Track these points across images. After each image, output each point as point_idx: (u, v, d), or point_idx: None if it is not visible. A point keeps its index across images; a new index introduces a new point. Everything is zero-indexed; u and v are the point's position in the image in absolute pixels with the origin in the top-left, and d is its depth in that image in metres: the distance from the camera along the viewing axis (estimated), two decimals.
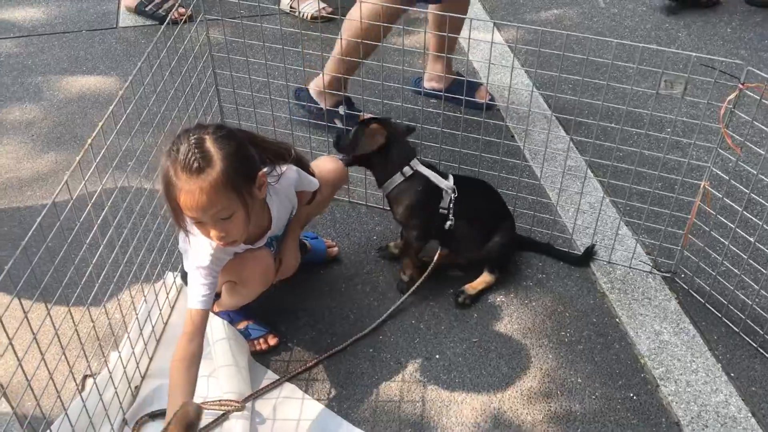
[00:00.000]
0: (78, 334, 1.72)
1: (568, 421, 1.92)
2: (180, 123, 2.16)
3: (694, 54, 1.85)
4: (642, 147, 2.28)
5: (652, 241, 2.33)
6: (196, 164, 1.61)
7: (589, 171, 2.63)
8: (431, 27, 2.75)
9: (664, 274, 2.29)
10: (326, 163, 2.13)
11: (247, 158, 1.71)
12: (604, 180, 2.53)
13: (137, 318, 1.97)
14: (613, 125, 2.43)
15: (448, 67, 2.88)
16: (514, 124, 2.83)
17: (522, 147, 2.72)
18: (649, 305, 2.21)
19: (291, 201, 1.98)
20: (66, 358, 1.67)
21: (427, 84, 2.99)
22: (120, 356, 1.88)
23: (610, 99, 2.53)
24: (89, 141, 1.61)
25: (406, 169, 2.09)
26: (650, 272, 2.30)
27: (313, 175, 2.01)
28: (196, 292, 1.78)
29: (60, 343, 1.64)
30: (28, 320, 1.52)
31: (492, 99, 2.86)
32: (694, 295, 2.22)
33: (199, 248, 1.78)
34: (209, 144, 1.63)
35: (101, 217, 1.79)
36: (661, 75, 1.89)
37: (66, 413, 1.60)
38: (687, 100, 2.00)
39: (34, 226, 1.59)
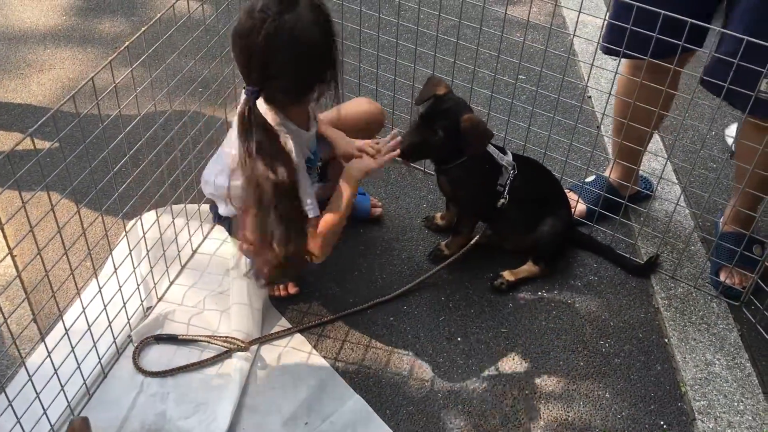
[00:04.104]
0: (108, 239, 1.71)
1: None
2: None
3: None
4: (736, 157, 2.03)
5: (726, 263, 2.09)
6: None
7: (673, 176, 2.40)
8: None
9: (732, 301, 2.05)
10: (360, 105, 2.01)
11: None
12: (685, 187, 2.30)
13: (161, 238, 1.93)
14: (702, 125, 2.19)
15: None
16: (601, 110, 2.61)
17: (605, 136, 2.51)
18: (706, 332, 1.98)
19: None
20: (92, 258, 1.66)
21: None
22: (135, 273, 1.85)
23: (702, 98, 2.28)
24: (126, 44, 1.57)
25: None
26: (716, 296, 2.07)
27: None
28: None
29: (87, 243, 1.62)
30: (54, 213, 1.52)
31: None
32: (761, 330, 1.98)
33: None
34: None
35: (150, 132, 1.79)
36: (763, 74, 1.65)
37: (61, 317, 1.58)
38: None
39: (68, 128, 1.58)
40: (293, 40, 1.48)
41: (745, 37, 1.60)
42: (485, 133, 1.85)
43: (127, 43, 1.58)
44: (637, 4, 1.71)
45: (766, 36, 1.59)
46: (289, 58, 1.50)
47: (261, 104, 1.59)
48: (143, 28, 1.64)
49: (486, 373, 1.87)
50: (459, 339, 1.94)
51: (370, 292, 2.04)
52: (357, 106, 2.02)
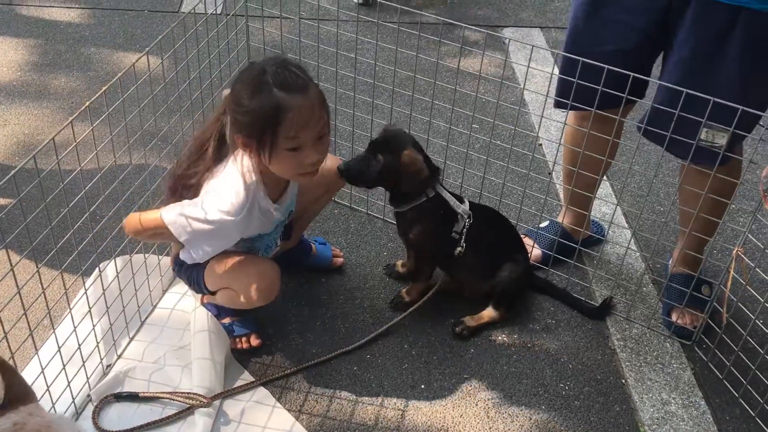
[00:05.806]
0: (67, 297, 1.70)
1: None
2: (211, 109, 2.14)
3: (741, 108, 1.70)
4: (680, 202, 2.12)
5: (677, 304, 2.16)
6: (300, 81, 1.65)
7: (623, 220, 2.49)
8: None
9: (684, 341, 2.12)
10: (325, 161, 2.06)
11: None
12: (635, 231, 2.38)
13: (121, 294, 1.91)
14: (653, 174, 2.28)
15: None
16: (552, 158, 2.70)
17: (556, 182, 2.59)
18: (661, 371, 2.04)
19: None
20: (51, 320, 1.64)
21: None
22: (94, 330, 1.83)
23: (647, 143, 2.38)
24: (87, 104, 1.59)
25: (429, 191, 1.99)
26: (669, 336, 2.13)
27: None
28: (203, 251, 1.76)
29: (46, 302, 1.61)
30: (14, 273, 1.50)
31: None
32: (713, 368, 2.05)
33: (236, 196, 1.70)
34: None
35: (110, 189, 1.79)
36: (702, 124, 1.75)
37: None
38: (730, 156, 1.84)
39: (32, 185, 1.58)
40: (259, 100, 1.61)
41: (680, 88, 1.70)
42: (420, 171, 1.92)
43: (87, 102, 1.60)
44: (582, 59, 1.80)
45: (696, 87, 1.70)
46: (243, 110, 1.66)
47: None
48: (104, 87, 1.66)
49: (450, 420, 1.88)
50: (422, 386, 1.96)
51: (333, 341, 2.05)
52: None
